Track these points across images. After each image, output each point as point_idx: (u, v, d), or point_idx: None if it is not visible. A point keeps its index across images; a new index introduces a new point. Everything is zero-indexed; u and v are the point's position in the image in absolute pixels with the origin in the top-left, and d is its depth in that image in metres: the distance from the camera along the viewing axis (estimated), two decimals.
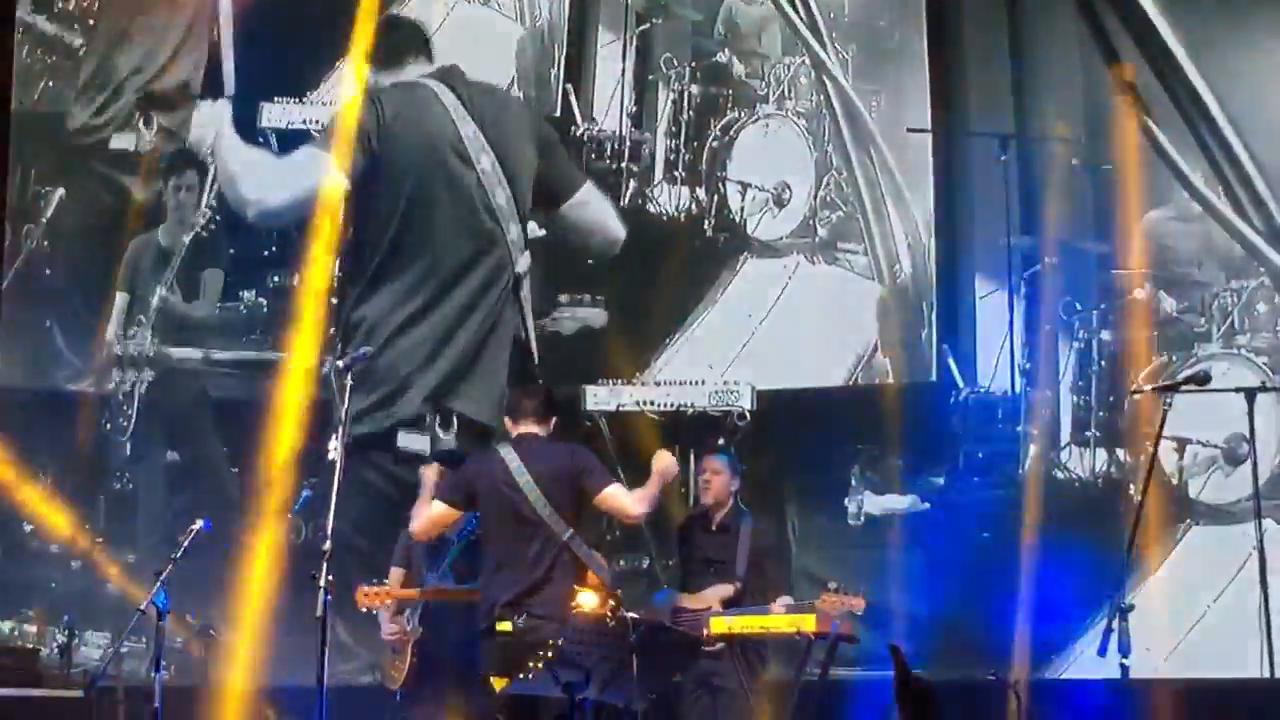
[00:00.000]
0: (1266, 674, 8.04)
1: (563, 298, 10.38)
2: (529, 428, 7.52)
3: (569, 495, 7.34)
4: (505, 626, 7.17)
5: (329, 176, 9.94)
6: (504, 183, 9.81)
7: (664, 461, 7.54)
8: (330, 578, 6.46)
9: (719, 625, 8.23)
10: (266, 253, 10.59)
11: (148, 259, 10.59)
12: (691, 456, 10.10)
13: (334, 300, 10.14)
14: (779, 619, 8.23)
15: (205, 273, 10.46)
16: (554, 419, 7.62)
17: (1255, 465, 8.63)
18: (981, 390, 9.81)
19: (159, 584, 6.93)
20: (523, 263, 9.84)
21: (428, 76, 10.07)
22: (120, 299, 10.56)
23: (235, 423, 10.27)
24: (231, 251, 10.60)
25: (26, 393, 10.55)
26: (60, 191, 10.79)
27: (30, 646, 8.90)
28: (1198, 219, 9.66)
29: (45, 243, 10.77)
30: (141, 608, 7.00)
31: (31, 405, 10.50)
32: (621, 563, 9.79)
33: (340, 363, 6.82)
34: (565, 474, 7.37)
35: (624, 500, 7.38)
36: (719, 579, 8.25)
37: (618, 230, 10.15)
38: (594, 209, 10.03)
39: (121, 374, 10.47)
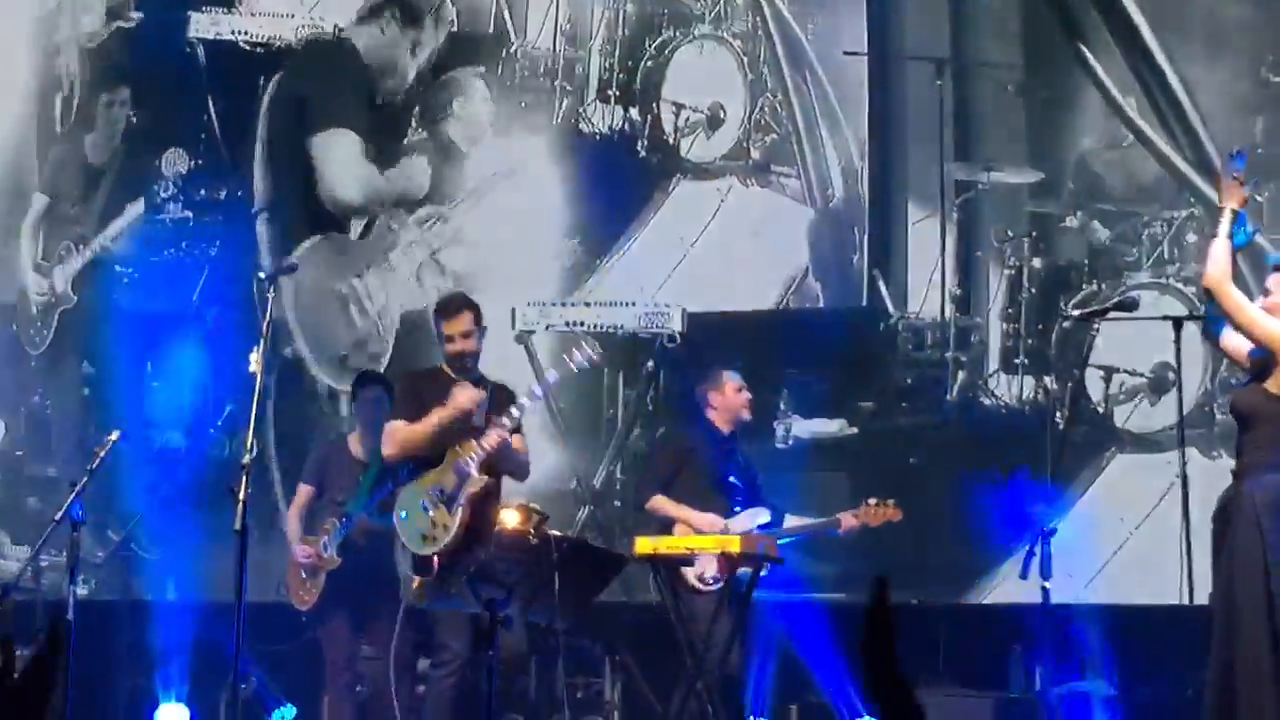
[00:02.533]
0: (1185, 600, 8.12)
1: None
2: None
3: None
4: None
5: None
6: None
7: (460, 398, 7.48)
8: (250, 491, 6.39)
9: (644, 546, 8.25)
10: (195, 163, 10.46)
11: (71, 170, 10.43)
12: (621, 378, 10.08)
13: None
14: (703, 540, 8.26)
15: (127, 208, 10.33)
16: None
17: (1180, 394, 8.69)
18: (911, 316, 9.81)
19: (74, 495, 6.85)
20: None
21: None
22: (39, 200, 10.42)
23: (156, 336, 10.18)
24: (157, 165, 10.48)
25: None
26: None
27: None
28: (1131, 149, 9.65)
29: None
30: (56, 518, 6.93)
31: None
32: None
33: (262, 273, 6.73)
34: None
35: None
36: (739, 502, 8.27)
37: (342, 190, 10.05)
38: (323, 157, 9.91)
39: (42, 292, 10.35)
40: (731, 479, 8.38)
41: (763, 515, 8.32)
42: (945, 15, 9.84)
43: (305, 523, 8.54)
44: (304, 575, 8.48)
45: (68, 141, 10.50)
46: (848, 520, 8.28)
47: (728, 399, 8.46)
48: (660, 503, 8.30)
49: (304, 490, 8.58)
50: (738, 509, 8.31)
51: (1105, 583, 9.05)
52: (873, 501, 8.30)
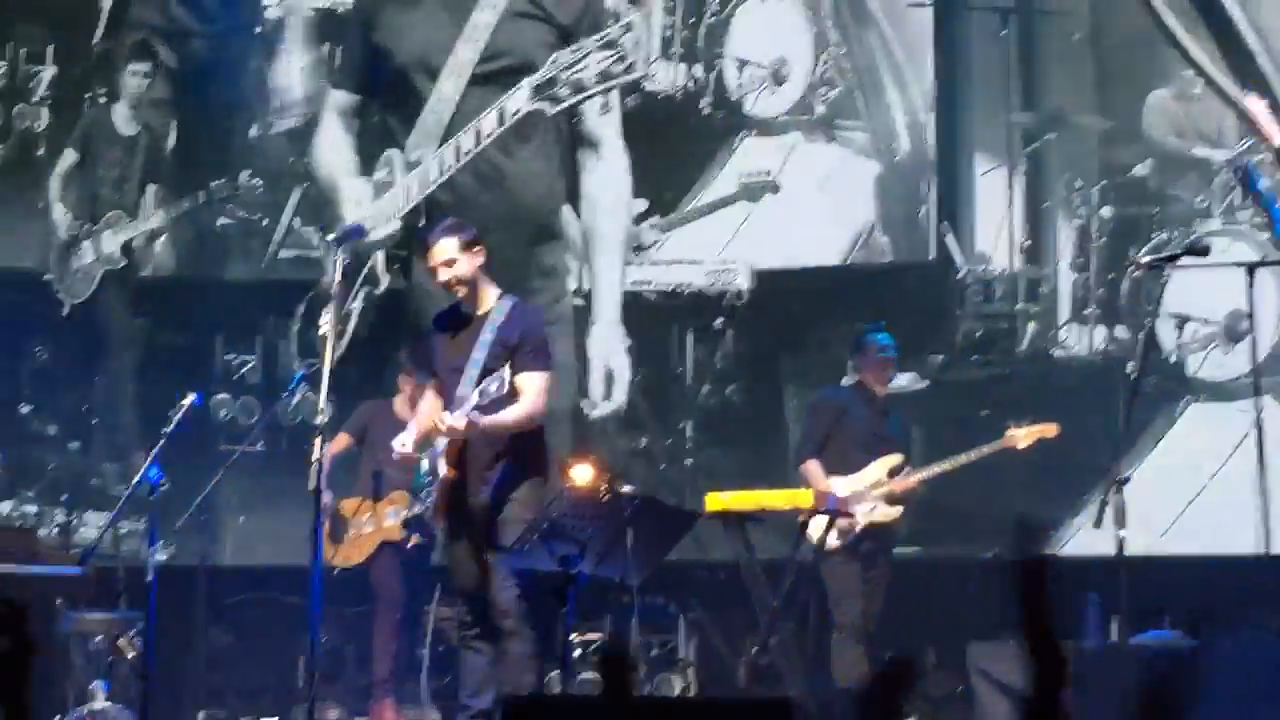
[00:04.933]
0: (1261, 550, 8.04)
1: None
2: None
3: None
4: None
5: None
6: None
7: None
8: (324, 451, 6.44)
9: (715, 503, 8.27)
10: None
11: (102, 134, 10.49)
12: (690, 336, 10.08)
13: None
14: (776, 495, 8.28)
15: (148, 190, 10.38)
16: None
17: (1255, 342, 8.59)
18: (980, 268, 9.75)
19: (151, 459, 6.92)
20: None
21: None
22: (70, 155, 10.48)
23: (224, 302, 10.26)
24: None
25: (17, 273, 10.50)
26: (52, 70, 10.66)
27: (28, 526, 8.89)
28: (1200, 96, 9.55)
29: (38, 124, 10.66)
30: (134, 482, 7.01)
31: (22, 285, 10.46)
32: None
33: (330, 236, 6.76)
34: None
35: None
36: (876, 452, 8.42)
37: None
38: None
39: (89, 254, 10.43)
40: (883, 437, 8.51)
41: (892, 460, 8.39)
42: None
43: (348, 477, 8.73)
44: (353, 532, 8.64)
45: (96, 105, 10.57)
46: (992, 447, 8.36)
47: (869, 361, 8.60)
48: (809, 469, 8.44)
49: (343, 438, 8.72)
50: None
51: (1181, 533, 9.00)
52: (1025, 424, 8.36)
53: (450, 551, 6.97)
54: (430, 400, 6.97)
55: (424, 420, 6.85)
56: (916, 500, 8.52)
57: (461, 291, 6.89)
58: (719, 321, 10.02)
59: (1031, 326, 9.66)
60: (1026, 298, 9.66)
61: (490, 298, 6.95)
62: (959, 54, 9.86)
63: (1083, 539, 8.76)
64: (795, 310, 9.92)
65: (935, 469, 8.46)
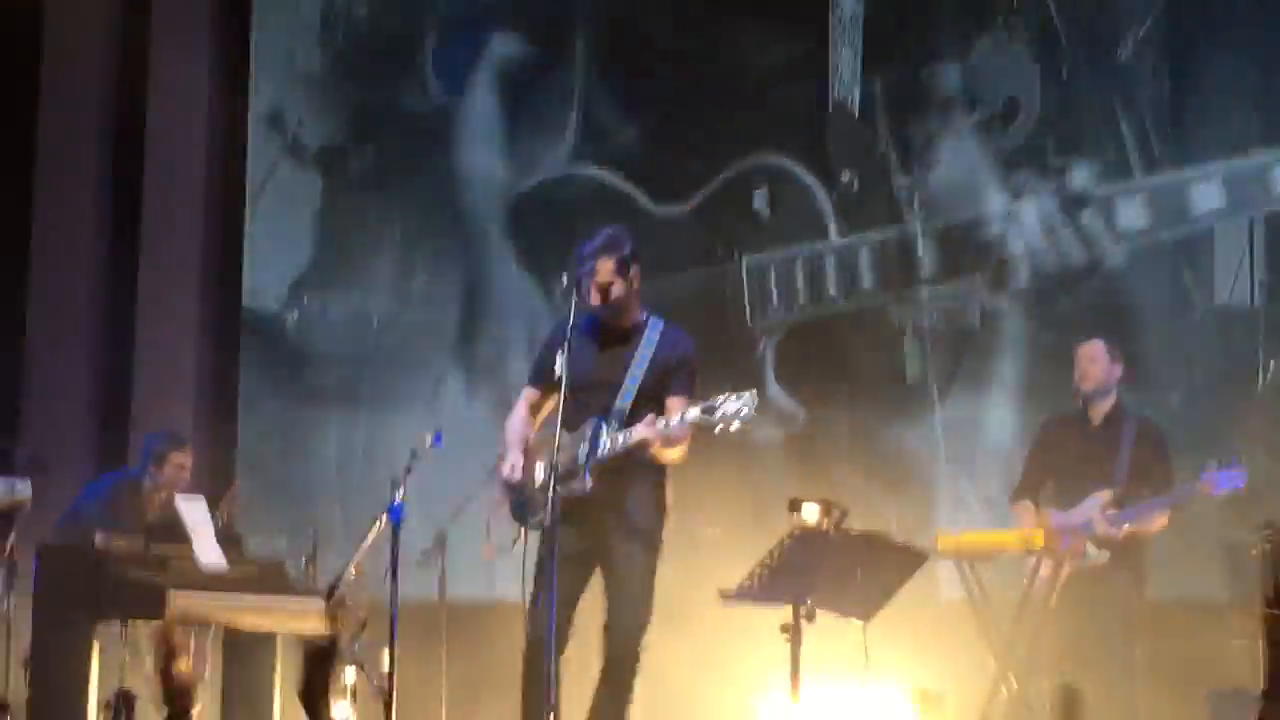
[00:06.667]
0: None
1: None
2: None
3: None
4: None
5: None
6: None
7: None
8: (556, 490, 6.57)
9: (946, 541, 8.28)
10: None
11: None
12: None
13: None
14: (1008, 536, 8.26)
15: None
16: None
17: None
18: (1219, 306, 9.58)
19: (395, 496, 7.13)
20: None
21: None
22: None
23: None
24: None
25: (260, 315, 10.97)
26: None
27: (278, 559, 9.20)
28: None
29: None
30: (377, 518, 7.23)
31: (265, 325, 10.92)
32: None
33: (565, 277, 6.83)
34: None
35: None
36: (1094, 482, 8.10)
37: None
38: None
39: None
40: (1100, 463, 8.18)
41: (1102, 496, 8.13)
42: None
43: None
44: None
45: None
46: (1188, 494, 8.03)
47: (1077, 370, 8.31)
48: (1018, 512, 8.32)
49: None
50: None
51: None
52: (1215, 464, 8.00)
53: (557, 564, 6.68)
54: (522, 413, 6.99)
55: (517, 437, 6.91)
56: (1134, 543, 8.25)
57: (612, 306, 6.85)
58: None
59: (1273, 365, 9.46)
60: (1266, 336, 9.46)
61: (638, 314, 6.91)
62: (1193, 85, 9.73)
63: None
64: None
65: (1135, 511, 8.11)
